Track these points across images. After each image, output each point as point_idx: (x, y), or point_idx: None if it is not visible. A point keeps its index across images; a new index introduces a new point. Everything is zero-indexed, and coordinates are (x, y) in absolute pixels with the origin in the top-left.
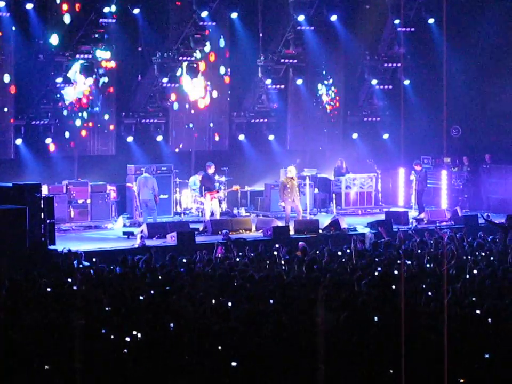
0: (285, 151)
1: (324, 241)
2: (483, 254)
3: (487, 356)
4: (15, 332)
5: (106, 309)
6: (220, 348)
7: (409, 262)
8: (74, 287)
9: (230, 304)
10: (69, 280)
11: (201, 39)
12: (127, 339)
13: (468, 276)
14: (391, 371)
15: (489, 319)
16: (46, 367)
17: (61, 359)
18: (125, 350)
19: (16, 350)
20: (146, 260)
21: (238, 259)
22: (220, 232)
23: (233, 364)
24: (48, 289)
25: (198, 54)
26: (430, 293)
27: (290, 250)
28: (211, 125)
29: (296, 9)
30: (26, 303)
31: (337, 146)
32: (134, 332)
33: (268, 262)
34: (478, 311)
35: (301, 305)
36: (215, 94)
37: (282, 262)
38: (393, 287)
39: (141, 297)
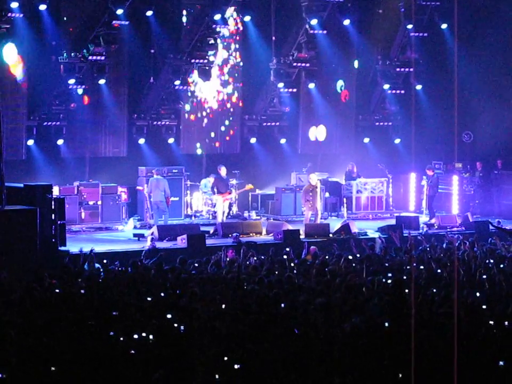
0: (296, 154)
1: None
2: (493, 260)
3: (501, 363)
4: (24, 333)
5: (114, 313)
6: (229, 351)
7: (421, 267)
8: (82, 291)
9: (240, 307)
10: (79, 281)
11: (214, 42)
12: (136, 341)
13: (478, 282)
14: (400, 376)
15: (500, 325)
16: (52, 368)
17: (69, 360)
18: (133, 351)
19: (25, 351)
20: (156, 262)
21: (248, 262)
22: (230, 235)
23: (236, 366)
24: (58, 290)
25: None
26: (440, 299)
27: (300, 254)
28: (222, 128)
29: (309, 13)
30: (36, 305)
31: (348, 151)
32: (144, 334)
33: (278, 265)
34: (488, 318)
35: (311, 310)
36: (226, 96)
37: (292, 264)
38: (404, 292)
39: (151, 299)
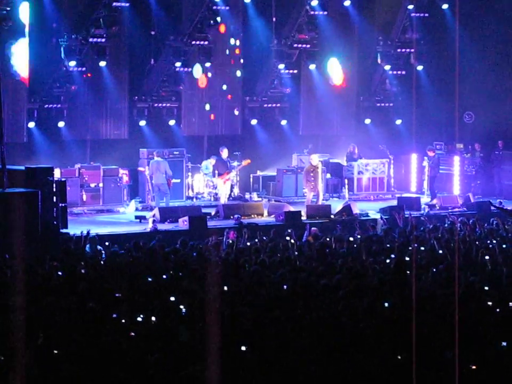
0: (297, 136)
1: (335, 226)
2: (495, 241)
3: (504, 344)
4: (25, 316)
5: (117, 295)
6: (231, 333)
7: (423, 248)
8: (82, 270)
9: (242, 289)
10: (81, 263)
11: (214, 24)
12: (138, 323)
13: (480, 263)
14: (400, 357)
15: (502, 306)
16: (55, 351)
17: (70, 342)
18: (133, 334)
19: (27, 334)
20: (157, 244)
21: (249, 244)
22: (231, 217)
23: (243, 348)
24: (60, 273)
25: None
26: (441, 280)
27: (302, 235)
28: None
29: None
30: (37, 287)
31: (349, 132)
32: (146, 316)
33: (279, 247)
34: (489, 300)
35: (313, 291)
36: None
37: (293, 242)
38: (405, 273)
39: (151, 280)
